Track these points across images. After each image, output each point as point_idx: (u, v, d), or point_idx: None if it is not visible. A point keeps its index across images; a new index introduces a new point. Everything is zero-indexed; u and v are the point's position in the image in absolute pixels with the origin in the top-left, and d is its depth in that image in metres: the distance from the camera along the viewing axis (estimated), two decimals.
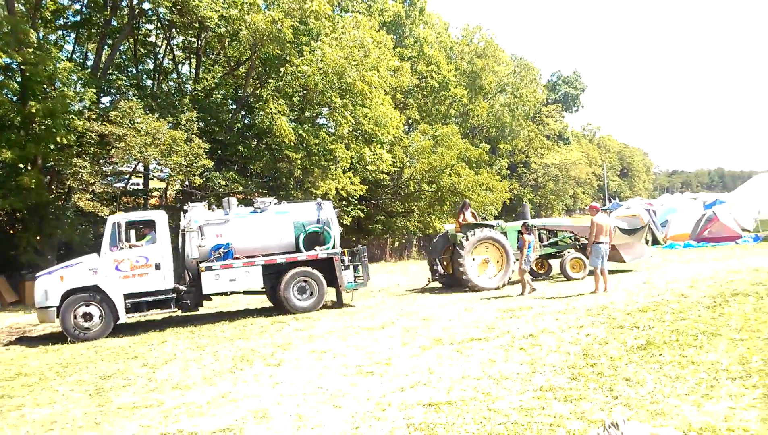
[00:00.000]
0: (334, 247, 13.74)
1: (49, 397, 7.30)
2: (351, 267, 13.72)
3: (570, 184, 61.73)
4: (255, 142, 26.90)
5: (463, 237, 14.65)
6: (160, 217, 12.83)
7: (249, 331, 11.13)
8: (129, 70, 27.28)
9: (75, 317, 11.75)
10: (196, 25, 23.78)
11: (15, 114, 18.92)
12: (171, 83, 28.50)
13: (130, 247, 12.32)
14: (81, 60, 25.14)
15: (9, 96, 19.19)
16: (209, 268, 12.66)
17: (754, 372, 5.82)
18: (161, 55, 28.16)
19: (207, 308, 15.95)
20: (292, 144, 22.97)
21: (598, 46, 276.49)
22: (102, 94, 23.42)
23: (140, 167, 26.50)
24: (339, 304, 13.90)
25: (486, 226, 15.21)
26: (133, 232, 12.77)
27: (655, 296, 10.87)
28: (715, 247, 17.60)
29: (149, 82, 27.67)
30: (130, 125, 19.44)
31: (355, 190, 26.73)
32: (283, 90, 23.61)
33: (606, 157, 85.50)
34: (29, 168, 19.67)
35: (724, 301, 9.58)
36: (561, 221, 18.88)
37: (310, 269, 13.24)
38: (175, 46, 28.22)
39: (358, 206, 30.28)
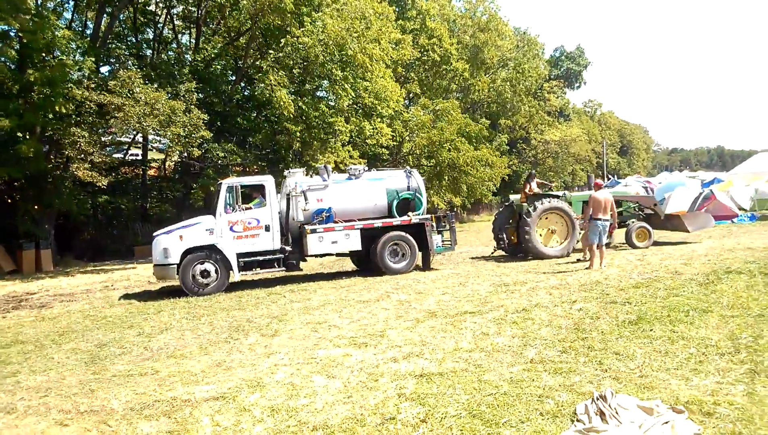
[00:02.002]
0: (424, 213, 14.56)
1: (44, 365, 7.38)
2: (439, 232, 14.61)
3: (569, 160, 61.48)
4: (254, 114, 26.78)
5: (530, 207, 15.13)
6: (269, 182, 13.61)
7: (245, 302, 11.22)
8: (128, 39, 27.04)
9: (194, 274, 12.63)
10: None
11: (13, 82, 18.78)
12: (170, 53, 28.29)
13: (244, 209, 13.13)
14: (80, 28, 24.88)
15: (7, 64, 19.00)
16: (314, 231, 13.50)
17: (742, 348, 5.88)
18: (161, 25, 27.89)
19: None
20: (292, 116, 22.86)
21: (602, 22, 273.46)
22: (101, 64, 23.26)
23: (139, 138, 26.43)
24: (427, 267, 14.58)
25: (553, 196, 15.71)
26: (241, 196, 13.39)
27: (648, 273, 10.93)
28: (713, 226, 17.69)
29: (149, 52, 27.44)
30: (129, 95, 19.31)
31: (355, 164, 26.66)
32: (283, 61, 23.40)
33: (606, 134, 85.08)
34: (27, 137, 19.60)
35: (717, 279, 9.63)
36: (626, 191, 19.41)
37: (403, 233, 14.05)
38: (175, 16, 27.93)
39: None
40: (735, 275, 9.84)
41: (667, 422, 4.26)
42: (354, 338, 7.52)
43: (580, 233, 15.14)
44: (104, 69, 24.79)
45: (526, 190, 16.25)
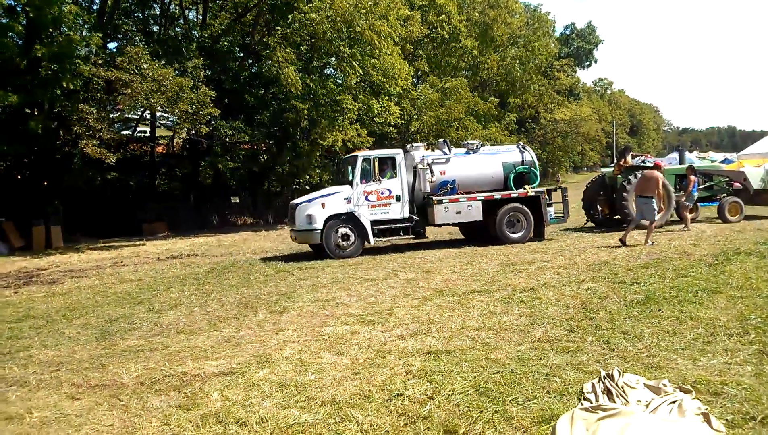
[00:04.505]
0: (539, 186, 15.17)
1: (55, 340, 7.46)
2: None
3: (579, 140, 61.06)
4: (262, 92, 26.66)
5: (624, 180, 15.52)
6: (400, 155, 14.43)
7: (253, 280, 11.27)
8: (135, 14, 26.86)
9: (336, 238, 13.63)
10: None
11: (21, 58, 18.75)
12: (178, 29, 28.09)
13: (379, 180, 14.00)
14: (87, 3, 24.73)
15: (14, 39, 18.96)
16: (440, 202, 14.15)
17: (751, 329, 5.86)
18: (168, 0, 27.64)
19: (212, 256, 16.17)
20: (299, 94, 22.77)
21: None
22: (108, 39, 23.18)
23: (147, 115, 26.40)
24: (541, 237, 14.99)
25: (648, 168, 15.88)
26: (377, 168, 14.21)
27: (657, 253, 10.89)
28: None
29: (156, 28, 27.27)
30: (136, 71, 19.27)
31: (362, 142, 26.61)
32: (290, 38, 23.25)
33: (616, 114, 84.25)
34: (36, 114, 19.61)
35: (726, 260, 9.58)
36: (718, 166, 19.87)
37: (520, 205, 14.54)
38: None
39: None
40: (744, 256, 9.79)
41: (674, 401, 4.26)
42: (362, 316, 7.56)
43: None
44: (111, 45, 24.72)
45: (621, 163, 16.50)
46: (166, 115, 25.71)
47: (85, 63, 18.87)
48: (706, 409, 4.15)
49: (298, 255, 14.95)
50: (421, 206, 14.60)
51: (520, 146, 15.80)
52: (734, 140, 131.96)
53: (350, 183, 14.00)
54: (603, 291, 8.00)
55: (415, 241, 15.50)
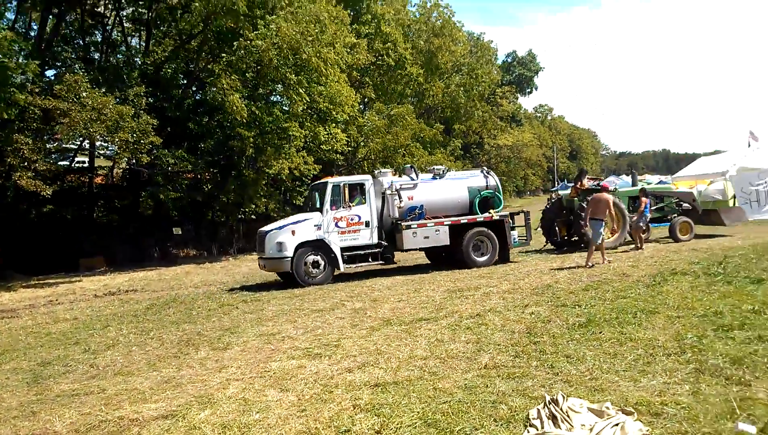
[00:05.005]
0: (503, 210, 15.56)
1: None
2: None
3: (521, 165, 62.68)
4: (206, 119, 26.30)
5: (582, 201, 15.81)
6: (369, 181, 14.63)
7: (196, 315, 10.96)
8: (75, 42, 26.17)
9: (306, 265, 13.62)
10: None
11: None
12: (119, 56, 27.50)
13: (349, 207, 14.07)
14: (24, 30, 23.94)
15: None
16: (408, 227, 14.34)
17: (687, 348, 6.04)
18: (110, 27, 27.10)
19: (152, 291, 15.68)
20: (245, 121, 22.54)
21: (553, 28, 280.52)
22: (46, 67, 22.48)
23: (86, 144, 25.62)
24: (506, 260, 15.29)
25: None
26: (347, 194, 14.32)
27: (597, 275, 11.19)
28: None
29: (97, 55, 26.64)
30: (75, 100, 18.70)
31: (309, 170, 26.50)
32: (236, 65, 23.07)
33: (556, 139, 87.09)
34: None
35: (662, 280, 9.90)
36: (669, 188, 20.45)
37: (485, 229, 14.88)
38: (124, 18, 27.18)
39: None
40: (680, 276, 10.15)
41: (617, 424, 4.33)
42: (308, 349, 7.43)
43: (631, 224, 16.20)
44: (50, 72, 23.96)
45: (578, 186, 16.91)
46: (105, 144, 25.02)
47: (20, 91, 18.18)
48: (648, 430, 4.24)
49: (243, 287, 14.65)
50: (390, 232, 14.75)
51: (484, 171, 16.17)
52: (668, 163, 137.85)
53: (320, 210, 14.06)
54: (546, 315, 8.13)
55: (383, 266, 15.46)
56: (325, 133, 26.56)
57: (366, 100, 37.56)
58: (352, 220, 14.14)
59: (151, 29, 26.49)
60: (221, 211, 28.34)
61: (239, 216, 28.63)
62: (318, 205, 14.39)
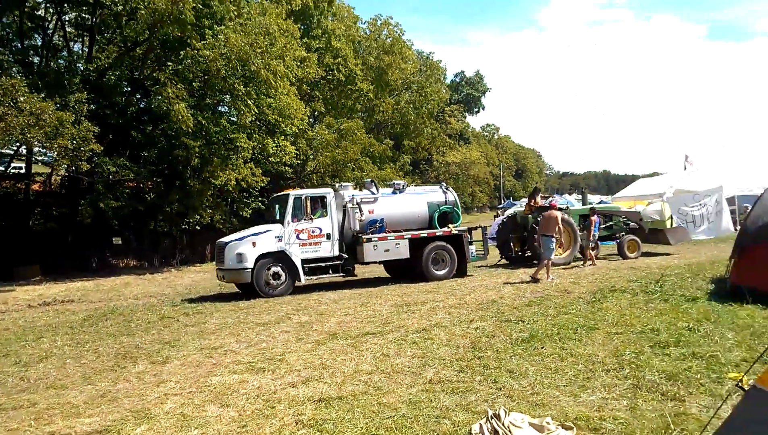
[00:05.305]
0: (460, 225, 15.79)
1: None
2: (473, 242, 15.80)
3: (469, 182, 63.77)
4: (150, 128, 25.58)
5: (536, 218, 16.07)
6: (330, 194, 14.71)
7: (134, 328, 10.57)
8: (13, 45, 25.06)
9: (266, 277, 13.55)
10: (91, 0, 22.24)
11: None
12: (61, 61, 26.44)
13: (310, 219, 14.10)
14: None
15: None
16: (369, 240, 14.43)
17: (626, 364, 6.22)
18: (51, 31, 26.09)
19: (89, 302, 15.08)
20: (191, 131, 22.08)
21: (500, 49, 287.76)
22: None
23: (23, 150, 24.54)
24: (463, 274, 15.40)
25: (558, 209, 16.90)
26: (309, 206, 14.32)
27: (540, 292, 11.43)
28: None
29: (36, 59, 25.60)
30: (12, 104, 17.90)
31: (257, 182, 26.15)
32: (182, 74, 22.62)
33: (503, 158, 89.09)
34: None
35: (602, 297, 10.21)
36: (617, 207, 21.34)
37: (444, 243, 15.08)
38: (66, 22, 26.20)
39: (260, 198, 29.67)
40: (619, 293, 10.49)
41: None
42: (251, 363, 7.27)
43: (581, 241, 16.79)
44: None
45: (531, 203, 17.27)
46: (44, 151, 24.03)
47: None
48: None
49: (185, 299, 14.26)
50: (351, 244, 14.80)
51: (443, 187, 16.49)
52: (609, 183, 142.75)
53: (281, 221, 14.05)
54: (491, 330, 8.23)
55: (332, 279, 15.40)
56: (274, 145, 26.31)
57: (316, 113, 37.49)
58: (313, 232, 14.21)
59: (94, 35, 25.65)
60: (164, 221, 27.59)
61: (183, 226, 27.93)
62: (278, 217, 14.41)
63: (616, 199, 32.39)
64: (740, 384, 3.76)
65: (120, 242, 27.58)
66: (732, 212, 23.55)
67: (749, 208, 11.51)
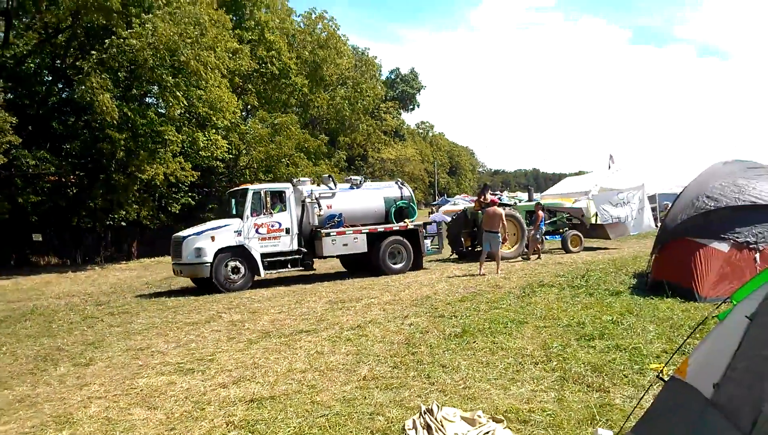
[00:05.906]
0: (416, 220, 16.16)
1: None
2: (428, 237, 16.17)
3: (404, 178, 64.30)
4: (72, 119, 24.39)
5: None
6: (289, 189, 14.84)
7: (56, 329, 10.07)
8: None
9: (225, 271, 13.57)
10: None
11: None
12: None
13: (270, 213, 14.16)
14: None
15: None
16: (328, 234, 14.56)
17: (553, 356, 6.43)
18: None
19: (7, 302, 14.27)
20: (116, 123, 21.17)
21: (434, 46, 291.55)
22: None
23: None
24: (419, 267, 15.79)
25: (505, 205, 17.44)
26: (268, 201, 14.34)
27: (473, 287, 11.67)
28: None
29: None
30: None
31: (186, 177, 25.40)
32: (107, 63, 21.63)
33: (437, 155, 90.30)
34: None
35: (531, 292, 10.54)
36: (560, 203, 22.08)
37: (400, 238, 15.42)
38: None
39: (189, 194, 28.86)
40: (547, 288, 10.85)
41: (487, 432, 4.49)
42: (180, 364, 7.06)
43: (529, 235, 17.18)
44: None
45: (481, 200, 17.46)
46: None
47: None
48: None
49: (110, 299, 13.70)
50: (310, 239, 14.95)
51: (399, 183, 16.90)
52: (538, 181, 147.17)
53: (240, 216, 14.08)
54: (425, 326, 8.33)
55: (268, 277, 15.30)
56: (205, 138, 25.63)
57: (249, 107, 36.76)
58: (272, 226, 14.31)
59: (11, 19, 24.14)
60: (88, 217, 26.38)
61: (108, 223, 26.80)
62: (235, 212, 14.56)
63: (544, 197, 33.45)
64: (660, 375, 3.96)
65: (40, 239, 26.20)
66: (653, 210, 24.76)
67: (669, 206, 12.13)
